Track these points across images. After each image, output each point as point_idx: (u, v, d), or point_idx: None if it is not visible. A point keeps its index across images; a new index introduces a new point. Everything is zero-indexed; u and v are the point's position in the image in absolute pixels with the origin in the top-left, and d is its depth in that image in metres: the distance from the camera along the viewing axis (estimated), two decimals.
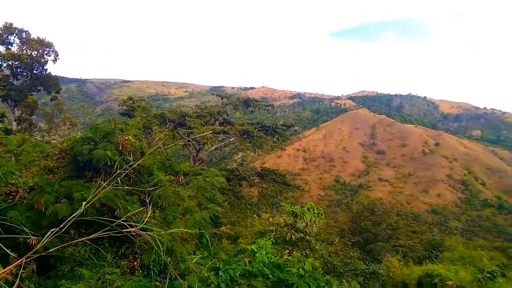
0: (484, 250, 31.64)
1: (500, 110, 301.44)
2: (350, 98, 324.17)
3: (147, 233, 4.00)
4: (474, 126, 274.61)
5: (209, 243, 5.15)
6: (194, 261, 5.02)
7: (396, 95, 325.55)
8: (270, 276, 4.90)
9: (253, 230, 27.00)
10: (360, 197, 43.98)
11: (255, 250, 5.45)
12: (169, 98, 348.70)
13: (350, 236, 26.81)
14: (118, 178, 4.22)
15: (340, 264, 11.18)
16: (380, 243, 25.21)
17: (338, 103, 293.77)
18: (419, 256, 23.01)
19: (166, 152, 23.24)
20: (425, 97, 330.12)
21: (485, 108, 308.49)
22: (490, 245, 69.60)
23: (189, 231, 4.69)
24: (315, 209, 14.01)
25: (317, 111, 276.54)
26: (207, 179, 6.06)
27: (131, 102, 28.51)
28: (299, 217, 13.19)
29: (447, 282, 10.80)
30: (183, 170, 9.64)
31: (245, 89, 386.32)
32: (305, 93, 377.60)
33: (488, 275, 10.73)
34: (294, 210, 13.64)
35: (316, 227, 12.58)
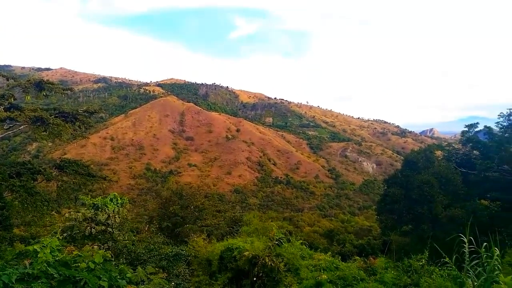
0: (275, 221, 36.61)
1: (287, 100, 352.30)
2: (159, 85, 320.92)
3: None
4: (267, 114, 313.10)
5: None
6: None
7: (202, 84, 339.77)
8: (56, 275, 4.42)
9: (53, 229, 23.91)
10: (170, 183, 44.45)
11: (38, 250, 4.81)
12: None
13: (159, 222, 26.89)
14: None
15: (144, 252, 11.05)
16: (188, 225, 26.13)
17: (147, 90, 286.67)
18: (222, 233, 24.89)
19: None
20: (227, 87, 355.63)
21: (275, 98, 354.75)
22: (280, 216, 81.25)
23: None
24: (119, 199, 13.41)
25: (125, 97, 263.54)
26: None
27: None
28: (100, 209, 12.38)
29: (244, 253, 11.75)
30: None
31: (40, 70, 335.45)
32: (111, 77, 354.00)
33: (277, 242, 12.40)
34: (95, 202, 12.74)
35: (119, 217, 12.07)
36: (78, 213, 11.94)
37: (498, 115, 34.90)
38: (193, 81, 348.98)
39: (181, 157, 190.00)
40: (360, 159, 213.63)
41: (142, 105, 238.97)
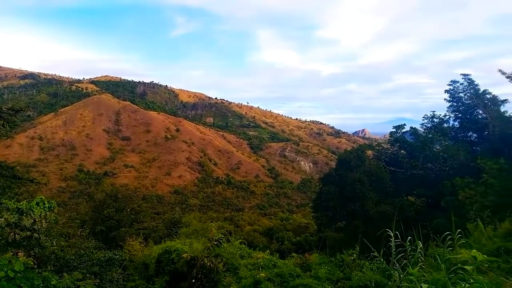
0: (215, 221, 36.37)
1: (227, 101, 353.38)
2: (93, 82, 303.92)
3: None
4: (208, 114, 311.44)
5: None
6: None
7: (140, 82, 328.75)
8: None
9: None
10: (104, 185, 42.53)
11: None
12: None
13: (93, 226, 25.58)
14: None
15: (74, 258, 10.44)
16: (123, 228, 25.13)
17: (79, 87, 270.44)
18: (160, 236, 24.28)
19: None
20: (166, 86, 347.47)
21: (216, 98, 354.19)
22: (221, 216, 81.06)
23: None
24: (46, 202, 12.56)
25: (55, 94, 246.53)
26: None
27: None
28: (25, 214, 11.48)
29: (183, 255, 11.60)
30: None
31: None
32: (40, 73, 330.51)
33: (216, 242, 12.36)
34: (20, 207, 11.80)
35: (46, 222, 11.28)
36: (0, 219, 10.97)
37: (423, 117, 37.82)
38: (129, 78, 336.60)
39: (116, 157, 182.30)
40: (298, 159, 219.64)
41: (74, 103, 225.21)
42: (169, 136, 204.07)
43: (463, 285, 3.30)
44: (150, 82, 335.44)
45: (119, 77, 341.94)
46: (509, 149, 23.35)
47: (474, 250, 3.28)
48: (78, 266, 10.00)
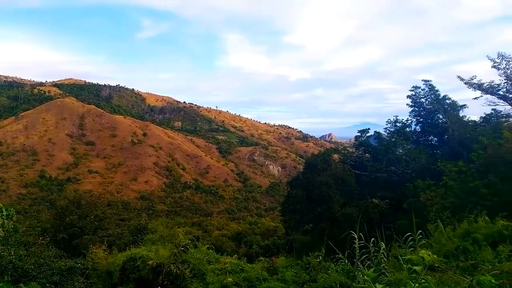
0: (183, 227, 35.75)
1: (196, 105, 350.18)
2: (56, 85, 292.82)
3: None
4: (176, 118, 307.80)
5: None
6: None
7: (105, 85, 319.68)
8: None
9: None
10: (67, 191, 41.05)
11: None
12: None
13: (54, 234, 24.67)
14: None
15: (33, 267, 9.99)
16: (86, 236, 24.37)
17: (41, 90, 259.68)
18: (125, 243, 23.63)
19: None
20: (133, 89, 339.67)
21: (184, 102, 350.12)
22: (189, 222, 79.91)
23: None
24: (4, 210, 12.02)
25: (16, 97, 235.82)
26: None
27: None
28: None
29: (148, 262, 11.42)
30: None
31: None
32: (0, 76, 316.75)
33: (182, 248, 12.21)
34: None
35: (3, 230, 10.78)
36: None
37: (386, 122, 38.89)
38: (94, 82, 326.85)
39: (80, 163, 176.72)
40: (266, 163, 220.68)
41: (36, 106, 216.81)
42: (136, 141, 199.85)
43: (413, 285, 3.42)
44: (116, 85, 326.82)
45: (83, 80, 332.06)
46: (467, 152, 24.40)
47: (422, 251, 3.41)
48: (37, 275, 9.58)
